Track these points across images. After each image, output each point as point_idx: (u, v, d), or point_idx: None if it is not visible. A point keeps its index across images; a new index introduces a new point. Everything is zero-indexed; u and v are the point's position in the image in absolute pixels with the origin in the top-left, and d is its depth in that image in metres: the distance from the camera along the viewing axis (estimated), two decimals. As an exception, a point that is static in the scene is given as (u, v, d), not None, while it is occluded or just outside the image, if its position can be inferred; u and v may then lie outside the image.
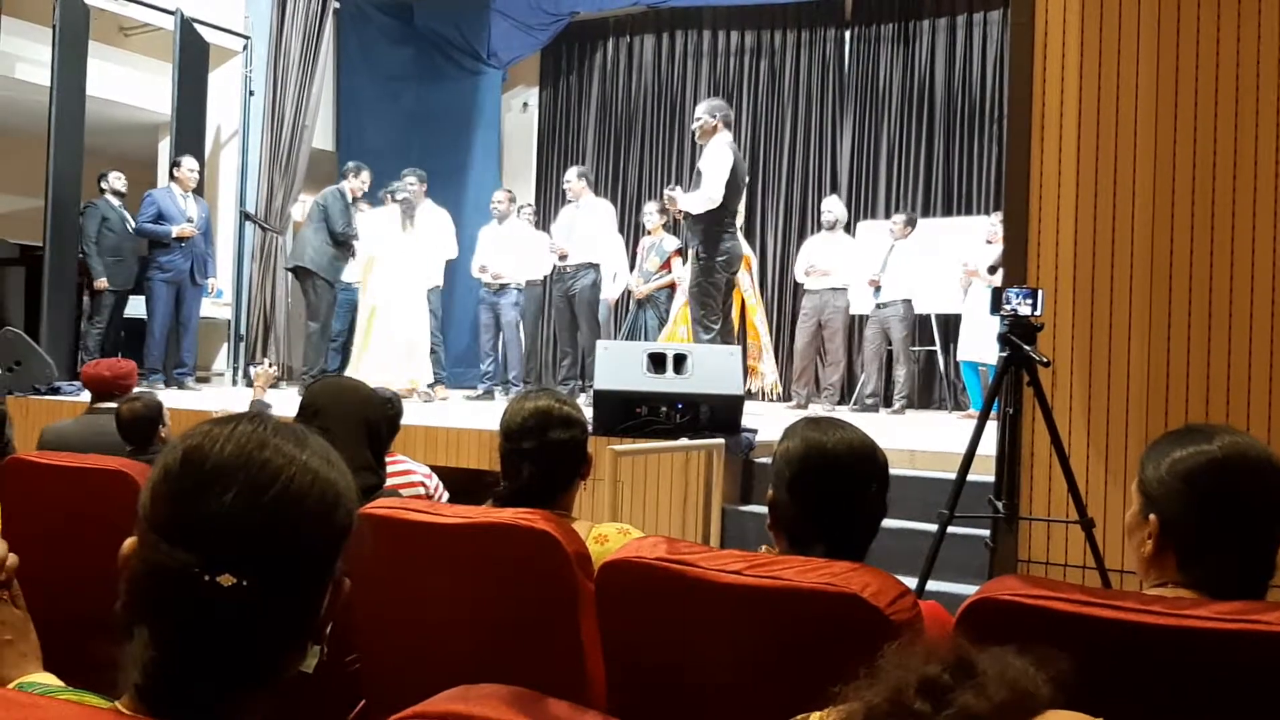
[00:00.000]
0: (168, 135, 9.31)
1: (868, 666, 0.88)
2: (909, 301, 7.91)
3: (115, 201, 8.11)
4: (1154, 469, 1.58)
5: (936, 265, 7.90)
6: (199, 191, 8.46)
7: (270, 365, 5.82)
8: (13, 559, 1.21)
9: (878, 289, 7.93)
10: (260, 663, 0.90)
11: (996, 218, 7.52)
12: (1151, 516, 1.56)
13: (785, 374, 8.54)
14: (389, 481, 3.23)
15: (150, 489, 0.92)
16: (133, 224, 8.04)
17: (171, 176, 8.17)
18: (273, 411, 4.90)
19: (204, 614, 0.86)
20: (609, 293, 8.25)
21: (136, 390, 4.39)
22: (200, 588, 0.86)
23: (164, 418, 3.84)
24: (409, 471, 3.48)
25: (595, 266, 7.82)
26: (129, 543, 0.92)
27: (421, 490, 3.41)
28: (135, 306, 8.50)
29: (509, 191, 8.64)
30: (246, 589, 0.86)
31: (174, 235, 7.80)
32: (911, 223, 8.14)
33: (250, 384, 5.77)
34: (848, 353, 8.53)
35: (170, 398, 7.01)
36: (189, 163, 8.15)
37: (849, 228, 9.01)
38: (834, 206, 8.31)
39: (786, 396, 8.34)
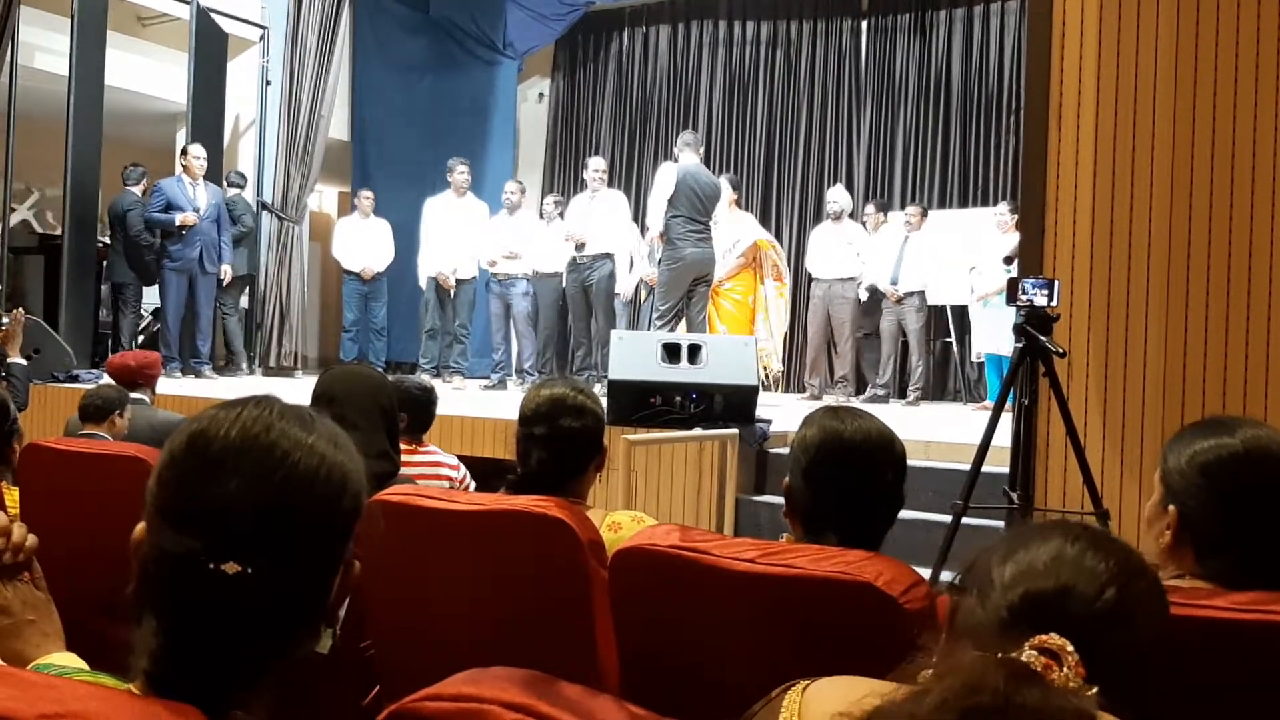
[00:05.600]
0: (185, 125, 9.32)
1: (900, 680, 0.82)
2: (924, 293, 7.87)
3: (138, 197, 8.22)
4: (1175, 460, 1.57)
5: (951, 257, 7.86)
6: (215, 180, 8.49)
7: None
8: (32, 540, 1.22)
9: (893, 282, 7.89)
10: (268, 647, 0.89)
11: (1004, 207, 7.49)
12: (1170, 508, 1.55)
13: (799, 365, 8.52)
14: (416, 471, 3.25)
15: (156, 474, 0.92)
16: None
17: (180, 165, 8.22)
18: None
19: (209, 600, 0.85)
20: (625, 284, 8.27)
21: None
22: (205, 575, 0.85)
23: (124, 412, 3.98)
24: (438, 463, 3.50)
25: (611, 256, 7.83)
26: (140, 528, 0.92)
27: (447, 483, 3.41)
28: (150, 296, 8.56)
29: (520, 183, 8.68)
30: (252, 576, 0.85)
31: (177, 224, 7.84)
32: (925, 213, 8.11)
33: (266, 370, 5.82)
34: (858, 343, 8.49)
35: (187, 386, 7.07)
36: (196, 150, 8.16)
37: (862, 218, 8.97)
38: (839, 196, 8.27)
39: (792, 387, 8.33)
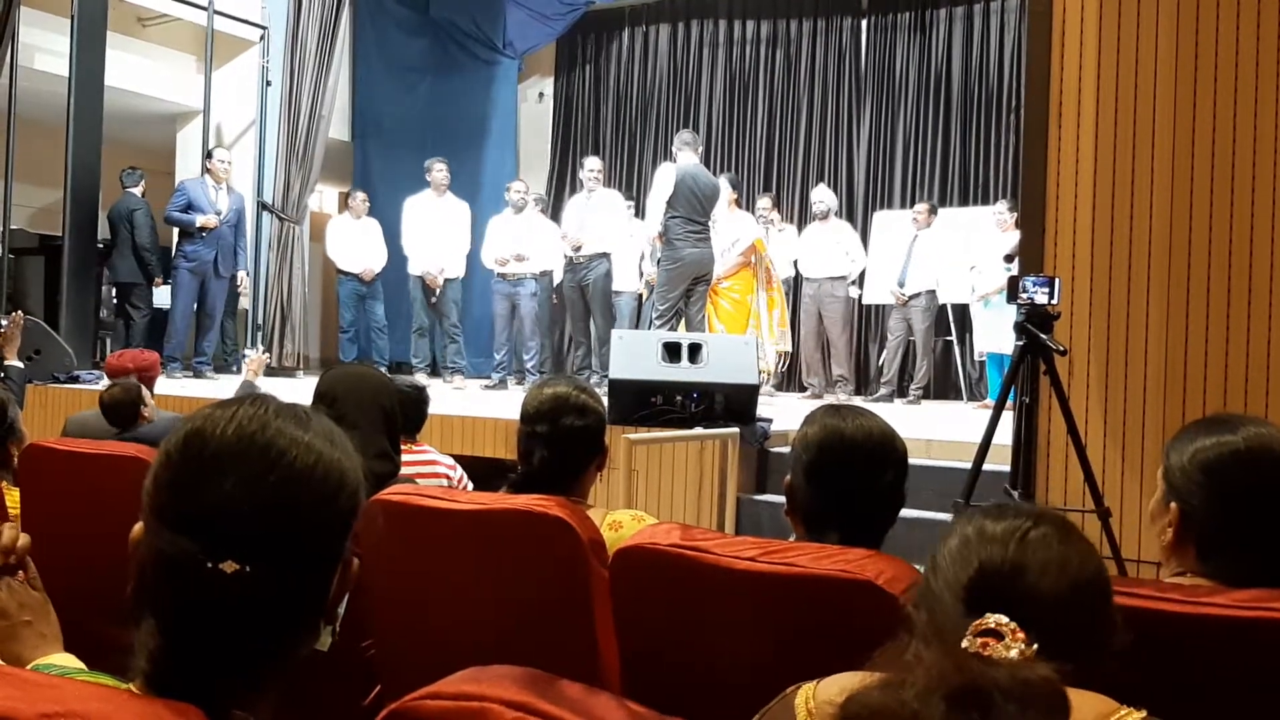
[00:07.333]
0: (185, 126, 9.31)
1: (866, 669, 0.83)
2: (933, 292, 7.86)
3: (141, 198, 8.26)
4: (1177, 457, 1.57)
5: (953, 256, 7.86)
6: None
7: (264, 353, 5.85)
8: (24, 540, 1.21)
9: (900, 284, 7.89)
10: (268, 646, 0.89)
11: (1002, 205, 7.50)
12: (1172, 505, 1.55)
13: (798, 364, 8.52)
14: (414, 470, 3.25)
15: (152, 475, 0.91)
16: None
17: (205, 168, 8.23)
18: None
19: (208, 600, 0.85)
20: (631, 284, 8.25)
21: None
22: (203, 574, 0.85)
23: (144, 399, 3.88)
24: (433, 462, 3.50)
25: (607, 256, 7.83)
26: (137, 528, 0.91)
27: (444, 481, 3.41)
28: (159, 296, 8.58)
29: (524, 183, 8.67)
30: (250, 575, 0.85)
31: (198, 225, 7.86)
32: (934, 210, 8.10)
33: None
34: (854, 342, 8.49)
35: (189, 387, 7.07)
36: (221, 154, 8.21)
37: (864, 218, 8.96)
38: (824, 196, 8.26)
39: (791, 387, 8.31)
